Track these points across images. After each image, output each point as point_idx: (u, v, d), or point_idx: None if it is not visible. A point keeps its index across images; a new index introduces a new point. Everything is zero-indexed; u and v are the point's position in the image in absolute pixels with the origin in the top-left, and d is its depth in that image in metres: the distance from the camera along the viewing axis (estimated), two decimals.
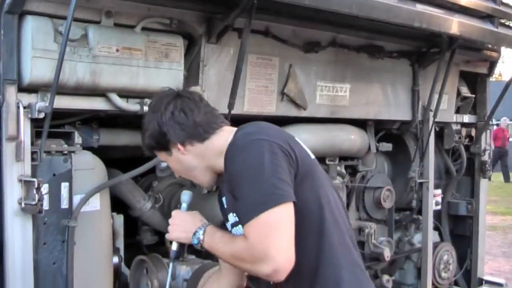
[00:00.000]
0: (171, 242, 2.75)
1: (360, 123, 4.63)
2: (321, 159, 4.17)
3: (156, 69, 3.21)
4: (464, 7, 4.11)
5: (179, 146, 2.55)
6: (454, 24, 3.96)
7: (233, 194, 2.35)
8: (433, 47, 4.61)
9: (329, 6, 3.28)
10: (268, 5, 3.33)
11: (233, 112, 3.49)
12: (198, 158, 2.58)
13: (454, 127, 5.45)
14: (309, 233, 2.35)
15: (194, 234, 2.53)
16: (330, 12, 3.36)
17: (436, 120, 4.90)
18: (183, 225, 2.62)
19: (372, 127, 4.78)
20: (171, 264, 2.80)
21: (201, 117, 2.55)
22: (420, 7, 3.83)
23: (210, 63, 3.50)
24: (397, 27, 3.85)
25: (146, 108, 3.20)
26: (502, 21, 4.47)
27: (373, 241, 4.73)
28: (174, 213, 2.71)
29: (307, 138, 3.94)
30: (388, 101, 4.65)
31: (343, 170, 4.70)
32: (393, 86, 4.68)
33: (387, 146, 4.89)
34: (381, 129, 4.91)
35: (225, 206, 2.53)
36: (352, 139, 4.49)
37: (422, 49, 4.68)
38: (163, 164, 3.62)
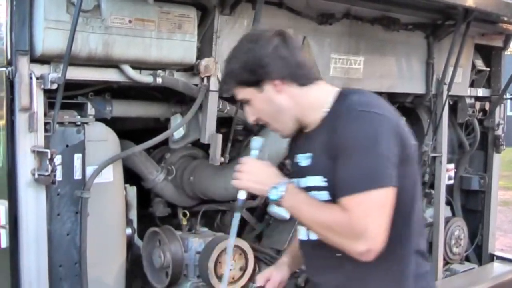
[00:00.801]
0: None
1: None
2: None
3: (169, 41, 3.19)
4: None
5: (277, 82, 2.35)
6: None
7: (334, 159, 2.22)
8: (448, 20, 4.56)
9: None
10: None
11: None
12: (291, 102, 2.39)
13: (468, 100, 5.39)
14: (396, 221, 2.23)
15: (274, 188, 2.32)
16: None
17: (450, 93, 4.86)
18: (258, 175, 2.40)
19: (386, 100, 4.74)
20: (237, 215, 2.49)
21: (304, 60, 2.42)
22: None
23: (224, 34, 3.48)
24: None
25: (159, 80, 3.20)
26: None
27: None
28: (248, 160, 2.45)
29: None
30: (402, 74, 4.61)
31: None
32: (407, 58, 4.64)
33: None
34: (394, 102, 4.86)
35: (303, 165, 2.41)
36: None
37: (437, 21, 4.62)
38: (176, 136, 3.63)
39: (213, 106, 3.46)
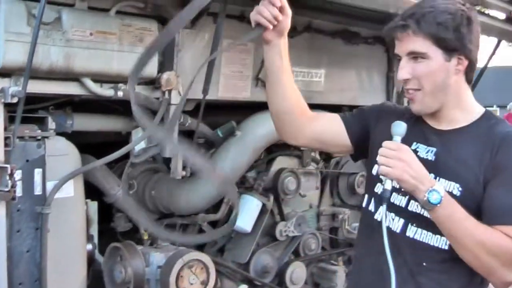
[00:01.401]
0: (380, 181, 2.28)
1: (335, 109, 4.61)
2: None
3: (131, 54, 3.15)
4: None
5: (465, 63, 2.24)
6: None
7: (489, 177, 2.17)
8: None
9: None
10: None
11: (207, 97, 3.47)
12: (455, 89, 2.28)
13: None
14: None
15: (434, 190, 2.09)
16: None
17: None
18: (416, 169, 2.13)
19: None
20: (383, 209, 2.21)
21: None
22: None
23: (185, 48, 3.46)
24: (373, 13, 3.82)
25: (120, 93, 3.17)
26: (477, 8, 4.47)
27: (347, 226, 4.74)
28: (405, 147, 2.18)
29: None
30: (363, 86, 4.65)
31: (318, 156, 4.69)
32: (368, 71, 4.68)
33: None
34: None
35: (424, 157, 2.27)
36: None
37: None
38: (138, 150, 3.60)
39: (174, 119, 3.44)
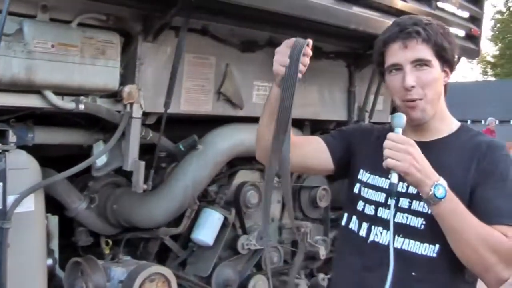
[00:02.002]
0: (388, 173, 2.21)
1: (297, 123, 4.64)
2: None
3: (92, 66, 3.14)
4: (400, 10, 4.17)
5: (450, 73, 2.39)
6: None
7: (477, 183, 2.26)
8: (369, 49, 4.63)
9: (267, 6, 3.29)
10: (205, 4, 3.31)
11: (169, 111, 3.48)
12: (441, 98, 2.39)
13: None
14: None
15: (438, 185, 2.13)
16: (268, 12, 3.35)
17: (371, 120, 4.95)
18: (422, 163, 2.16)
19: (309, 127, 4.80)
20: (392, 202, 2.21)
21: None
22: (357, 10, 3.87)
23: (147, 61, 3.46)
24: (334, 28, 3.86)
25: (81, 106, 3.15)
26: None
27: (309, 240, 4.74)
28: (411, 141, 2.20)
29: (243, 138, 3.94)
30: (324, 101, 4.67)
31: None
32: (329, 87, 4.71)
33: None
34: (317, 129, 4.93)
35: None
36: None
37: (359, 50, 4.70)
38: (99, 163, 3.58)
39: (136, 133, 3.44)
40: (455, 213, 2.15)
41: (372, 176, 2.47)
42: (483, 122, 21.24)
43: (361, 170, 2.52)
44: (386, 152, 2.18)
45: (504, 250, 2.14)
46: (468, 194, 2.25)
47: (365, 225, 2.43)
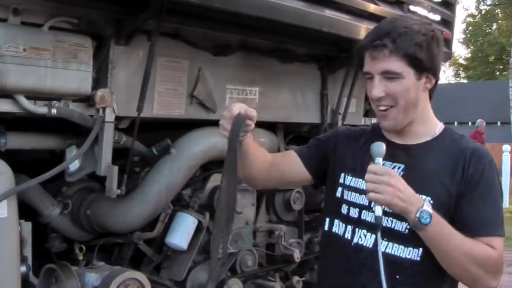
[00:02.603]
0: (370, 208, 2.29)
1: (270, 126, 4.65)
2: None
3: (65, 70, 3.12)
4: (372, 14, 4.20)
5: (432, 79, 2.37)
6: (363, 30, 4.04)
7: (461, 191, 2.28)
8: (342, 52, 4.67)
9: (239, 9, 3.30)
10: (177, 8, 3.31)
11: (142, 115, 3.46)
12: (421, 106, 2.37)
13: None
14: None
15: (422, 211, 2.15)
16: (240, 16, 3.36)
17: (344, 123, 4.96)
18: (405, 192, 2.18)
19: (282, 130, 4.81)
20: (379, 235, 2.24)
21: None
22: (329, 13, 3.89)
23: (119, 65, 3.44)
24: (307, 31, 3.87)
25: (54, 111, 3.13)
26: None
27: (283, 243, 4.75)
28: (392, 171, 2.24)
29: (216, 142, 3.93)
30: (297, 104, 4.68)
31: None
32: (302, 89, 4.72)
33: None
34: (290, 132, 4.95)
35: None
36: (261, 142, 4.49)
37: (331, 53, 4.72)
38: (72, 169, 3.55)
39: (109, 137, 3.42)
40: (441, 235, 2.19)
41: (354, 178, 2.48)
42: (455, 124, 21.34)
43: (342, 174, 2.53)
44: (367, 185, 2.21)
45: (491, 263, 2.20)
46: (454, 200, 2.28)
47: (349, 228, 2.45)
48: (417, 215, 2.15)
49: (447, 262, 2.24)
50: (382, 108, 2.35)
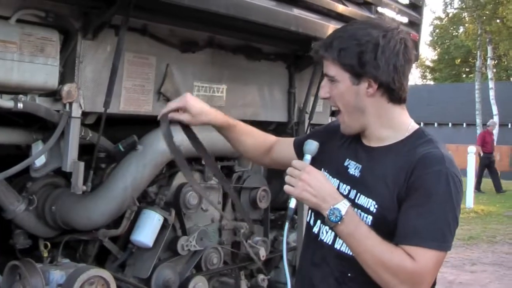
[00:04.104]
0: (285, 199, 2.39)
1: None
2: (197, 159, 4.17)
3: (31, 64, 3.10)
4: (340, 14, 4.23)
5: (375, 86, 2.29)
6: (330, 30, 4.04)
7: (402, 197, 2.24)
8: (309, 51, 4.67)
9: (208, 7, 3.31)
10: (145, 3, 3.30)
11: (109, 111, 3.45)
12: (373, 110, 2.34)
13: None
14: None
15: (335, 209, 2.19)
16: (208, 13, 3.36)
17: (311, 122, 4.98)
18: (318, 189, 2.24)
19: None
20: (286, 224, 2.37)
21: (406, 78, 2.34)
22: (297, 12, 3.91)
23: (86, 59, 3.42)
24: (274, 30, 3.88)
25: (20, 105, 3.10)
26: None
27: (248, 241, 4.76)
28: (308, 168, 2.29)
29: (183, 138, 3.91)
30: (264, 102, 4.70)
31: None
32: (269, 87, 4.74)
33: None
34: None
35: (352, 174, 2.38)
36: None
37: (299, 52, 4.74)
38: (38, 164, 3.52)
39: (75, 133, 3.39)
40: (352, 236, 2.21)
41: (329, 176, 2.47)
42: (421, 124, 21.53)
43: (322, 169, 2.53)
44: (286, 178, 2.30)
45: (406, 273, 2.16)
46: (397, 206, 2.26)
47: (318, 223, 2.48)
48: (327, 212, 2.20)
49: (362, 265, 2.24)
50: (334, 108, 2.44)
